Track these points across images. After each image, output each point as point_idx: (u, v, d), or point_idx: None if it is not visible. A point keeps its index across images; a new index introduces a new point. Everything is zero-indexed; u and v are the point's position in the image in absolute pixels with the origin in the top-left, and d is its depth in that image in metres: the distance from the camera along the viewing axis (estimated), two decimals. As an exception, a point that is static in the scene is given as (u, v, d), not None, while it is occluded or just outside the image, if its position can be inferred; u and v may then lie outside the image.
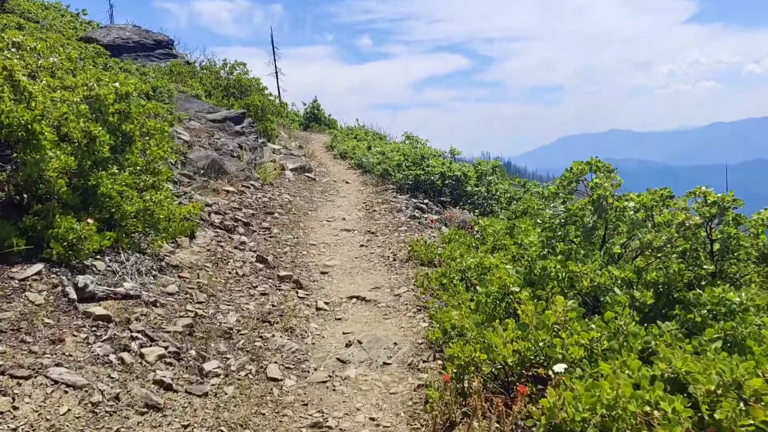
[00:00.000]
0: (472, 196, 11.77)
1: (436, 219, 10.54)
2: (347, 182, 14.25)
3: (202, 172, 10.17)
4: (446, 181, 11.90)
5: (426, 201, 11.33)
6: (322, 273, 6.52)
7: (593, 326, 3.34)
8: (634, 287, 3.66)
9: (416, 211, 10.68)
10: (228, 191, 9.63)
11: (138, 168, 5.71)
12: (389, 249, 7.44)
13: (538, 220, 4.24)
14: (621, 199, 3.93)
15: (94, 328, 3.88)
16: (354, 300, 5.54)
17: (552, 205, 5.57)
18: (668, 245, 3.73)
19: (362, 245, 7.78)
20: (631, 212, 3.86)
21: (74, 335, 3.75)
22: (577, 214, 4.03)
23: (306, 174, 14.18)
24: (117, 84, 5.30)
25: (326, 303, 5.46)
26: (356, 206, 10.98)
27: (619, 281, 3.60)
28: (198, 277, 5.39)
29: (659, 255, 3.82)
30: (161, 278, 5.12)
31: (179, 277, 5.28)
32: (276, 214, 9.43)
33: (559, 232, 4.15)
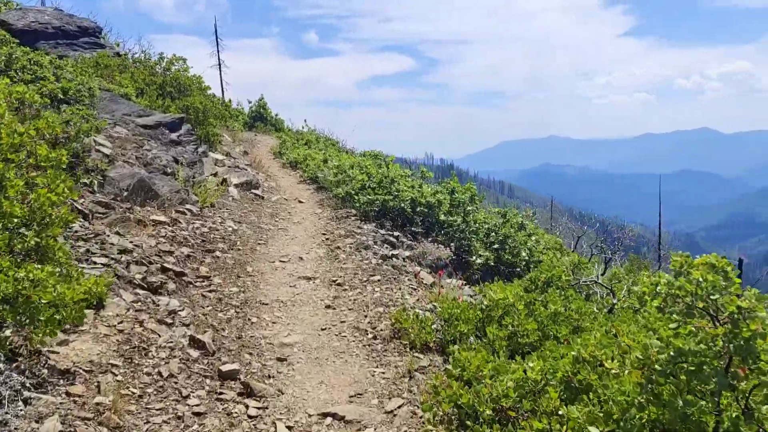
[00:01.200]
0: (447, 226, 10.30)
1: (408, 255, 9.01)
2: (300, 201, 12.52)
3: (125, 194, 8.25)
4: (417, 209, 10.39)
5: (395, 233, 9.77)
6: (280, 360, 4.83)
7: None
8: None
9: (385, 245, 9.10)
10: (157, 222, 7.76)
11: (15, 222, 3.89)
12: (364, 315, 5.82)
13: (639, 356, 2.74)
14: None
15: None
16: (329, 420, 3.89)
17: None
18: None
19: (328, 306, 6.12)
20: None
21: None
22: (705, 355, 2.55)
23: (253, 191, 12.37)
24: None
25: (289, 428, 3.79)
26: (314, 238, 9.29)
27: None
28: (98, 392, 3.63)
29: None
30: (37, 402, 3.34)
31: (68, 395, 3.50)
32: (217, 252, 7.64)
33: (669, 373, 2.66)
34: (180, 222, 8.24)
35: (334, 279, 6.99)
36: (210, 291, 6.25)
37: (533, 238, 10.59)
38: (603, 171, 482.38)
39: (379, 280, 6.96)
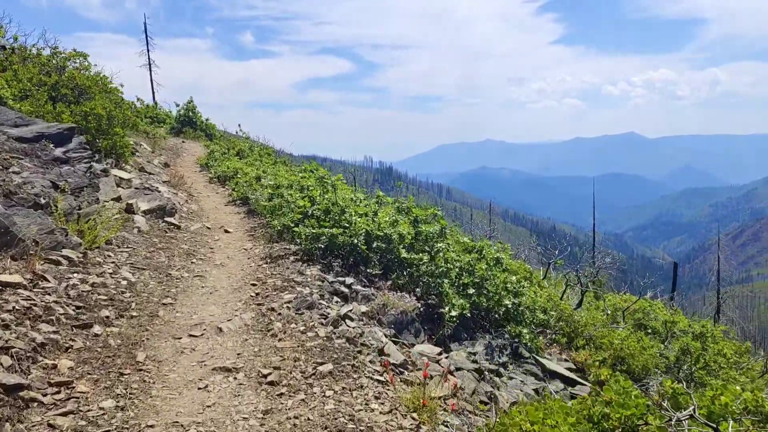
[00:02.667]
0: (410, 266, 8.28)
1: (365, 311, 6.92)
2: (227, 231, 10.21)
3: (-35, 242, 5.78)
4: (374, 244, 8.31)
5: (347, 279, 7.64)
6: None
7: None
8: None
9: (335, 299, 6.99)
10: (6, 285, 5.34)
11: None
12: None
13: None
14: None
15: None
16: None
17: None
18: None
19: (256, 434, 3.94)
20: None
21: None
22: None
23: (167, 219, 9.96)
24: None
25: None
26: (240, 290, 7.04)
27: None
28: None
29: None
30: None
31: None
32: (96, 328, 5.31)
33: None
34: (47, 279, 5.83)
35: (266, 372, 4.79)
36: (65, 413, 3.94)
37: (514, 277, 8.72)
38: (536, 173, 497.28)
39: (330, 372, 4.82)
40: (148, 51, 38.85)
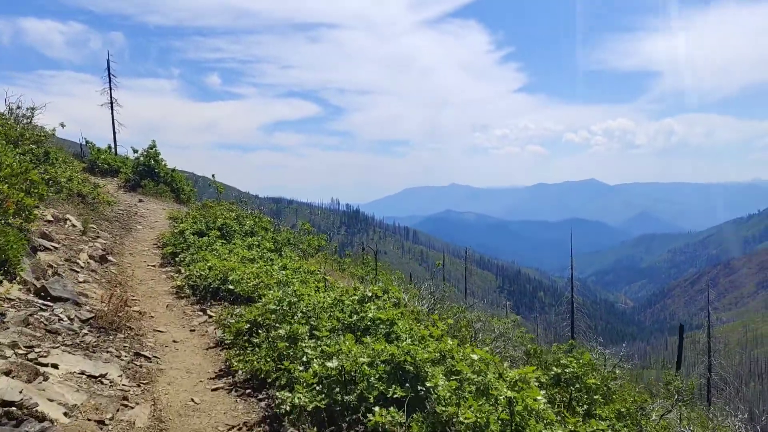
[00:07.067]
0: None
1: None
2: None
3: None
4: None
5: None
6: None
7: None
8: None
9: None
10: None
11: None
12: None
13: None
14: None
15: None
16: None
17: None
18: None
19: None
20: None
21: None
22: None
23: None
24: None
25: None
26: None
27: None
28: None
29: None
30: None
31: None
32: None
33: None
34: None
35: None
36: None
37: None
38: (500, 218, 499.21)
39: None
40: (110, 89, 33.04)
